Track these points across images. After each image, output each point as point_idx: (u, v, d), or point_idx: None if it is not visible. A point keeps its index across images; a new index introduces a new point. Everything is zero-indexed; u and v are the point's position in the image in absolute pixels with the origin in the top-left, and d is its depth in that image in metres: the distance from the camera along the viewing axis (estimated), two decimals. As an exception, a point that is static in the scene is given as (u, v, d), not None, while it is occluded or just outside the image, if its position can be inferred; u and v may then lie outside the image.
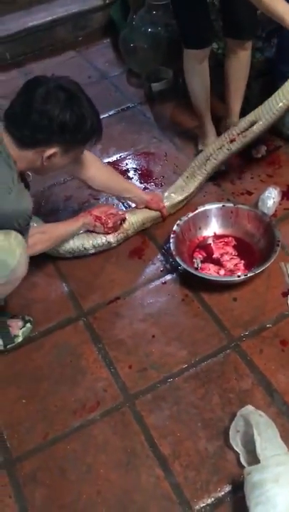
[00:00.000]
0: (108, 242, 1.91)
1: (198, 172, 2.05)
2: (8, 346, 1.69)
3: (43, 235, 1.66)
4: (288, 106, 1.84)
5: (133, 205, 2.05)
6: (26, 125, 1.40)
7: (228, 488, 1.31)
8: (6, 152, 1.42)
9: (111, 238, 1.91)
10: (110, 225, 1.87)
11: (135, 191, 1.98)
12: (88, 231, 1.91)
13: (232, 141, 1.97)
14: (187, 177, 2.06)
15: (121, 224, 1.93)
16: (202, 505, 1.30)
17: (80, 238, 1.89)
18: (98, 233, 1.90)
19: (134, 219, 1.95)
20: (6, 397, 1.58)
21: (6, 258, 1.43)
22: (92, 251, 1.92)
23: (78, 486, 1.37)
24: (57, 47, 3.30)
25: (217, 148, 2.01)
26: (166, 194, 2.04)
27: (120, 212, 1.94)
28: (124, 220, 1.93)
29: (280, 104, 1.83)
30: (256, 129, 1.91)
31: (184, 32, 2.05)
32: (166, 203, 2.01)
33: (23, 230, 1.48)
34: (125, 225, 1.94)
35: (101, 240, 1.90)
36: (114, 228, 1.90)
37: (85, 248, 1.90)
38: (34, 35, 3.24)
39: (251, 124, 1.92)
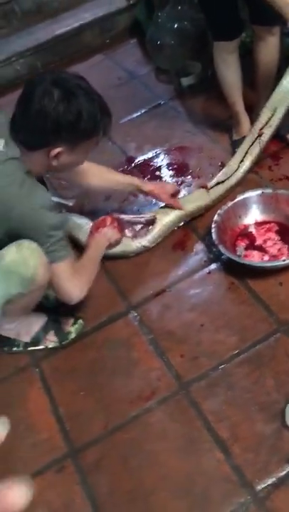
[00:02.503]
0: (143, 246, 1.94)
1: (238, 169, 2.07)
2: (63, 342, 1.75)
3: (80, 276, 1.61)
4: None
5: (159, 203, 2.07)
6: (26, 127, 1.40)
7: (288, 468, 1.33)
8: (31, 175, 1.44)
9: (146, 242, 1.94)
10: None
11: (136, 183, 1.97)
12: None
13: (260, 135, 2.03)
14: (226, 173, 2.08)
15: (146, 226, 1.95)
16: (263, 485, 1.32)
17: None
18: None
19: (166, 219, 1.96)
20: (65, 391, 1.64)
21: (20, 271, 1.43)
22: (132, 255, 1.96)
23: (140, 472, 1.41)
24: (85, 52, 3.34)
25: (249, 146, 2.05)
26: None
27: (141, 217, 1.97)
28: (152, 222, 1.95)
29: None
30: (278, 115, 1.98)
31: (213, 25, 2.07)
32: (211, 196, 2.02)
33: (55, 245, 1.47)
34: (157, 227, 1.95)
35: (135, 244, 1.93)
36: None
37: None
38: (63, 42, 3.30)
39: (272, 112, 1.98)
